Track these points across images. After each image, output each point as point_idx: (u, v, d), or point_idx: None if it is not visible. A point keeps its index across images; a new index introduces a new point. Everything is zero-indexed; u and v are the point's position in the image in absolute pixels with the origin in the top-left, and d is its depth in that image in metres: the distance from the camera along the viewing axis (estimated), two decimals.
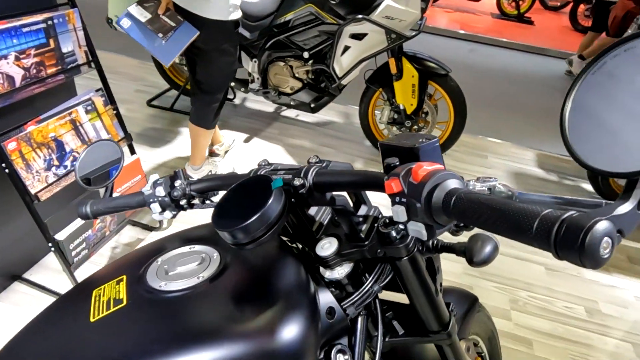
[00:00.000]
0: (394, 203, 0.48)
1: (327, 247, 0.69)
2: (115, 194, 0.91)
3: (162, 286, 0.63)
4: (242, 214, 0.58)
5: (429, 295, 0.73)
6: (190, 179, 0.80)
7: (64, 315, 0.63)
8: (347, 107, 3.45)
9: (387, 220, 0.70)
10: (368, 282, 0.75)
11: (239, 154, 2.77)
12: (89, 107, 1.65)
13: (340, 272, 0.74)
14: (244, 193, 0.62)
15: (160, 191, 0.75)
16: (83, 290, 0.68)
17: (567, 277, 2.20)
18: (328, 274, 0.74)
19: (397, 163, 0.52)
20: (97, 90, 1.71)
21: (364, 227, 0.71)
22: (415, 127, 2.73)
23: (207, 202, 0.81)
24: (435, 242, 0.69)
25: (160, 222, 2.10)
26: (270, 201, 0.58)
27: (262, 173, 0.69)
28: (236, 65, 2.26)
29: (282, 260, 0.69)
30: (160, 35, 1.81)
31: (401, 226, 0.68)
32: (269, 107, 3.39)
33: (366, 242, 0.68)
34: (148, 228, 2.09)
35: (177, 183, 0.77)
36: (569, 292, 2.12)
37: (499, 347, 1.23)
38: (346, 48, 2.42)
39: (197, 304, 0.60)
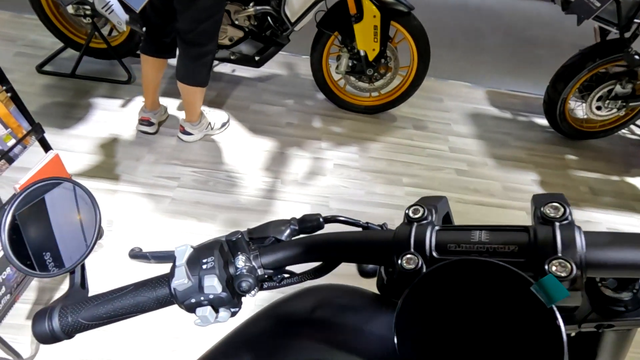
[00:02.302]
0: None
1: None
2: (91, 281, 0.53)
3: None
4: (483, 345, 0.28)
5: None
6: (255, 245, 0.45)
7: None
8: (292, 57, 3.03)
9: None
10: None
11: (172, 119, 2.28)
12: None
13: None
14: (460, 294, 0.31)
15: (214, 286, 0.40)
16: None
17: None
18: None
19: None
20: None
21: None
22: (376, 74, 2.45)
23: (287, 276, 0.47)
24: None
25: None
26: (565, 344, 0.27)
27: (436, 234, 0.37)
28: (224, 5, 1.90)
29: None
30: None
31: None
32: None
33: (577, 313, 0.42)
34: None
35: (240, 261, 0.42)
36: None
37: None
38: None
39: None
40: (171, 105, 2.40)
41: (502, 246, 0.35)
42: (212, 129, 2.21)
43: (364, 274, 0.55)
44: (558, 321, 0.28)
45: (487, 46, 3.96)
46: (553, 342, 0.27)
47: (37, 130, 1.30)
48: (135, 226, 1.73)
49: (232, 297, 0.42)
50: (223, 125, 2.28)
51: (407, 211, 0.39)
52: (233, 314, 0.43)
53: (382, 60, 2.39)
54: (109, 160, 1.99)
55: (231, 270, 0.42)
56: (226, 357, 0.47)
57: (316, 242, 0.43)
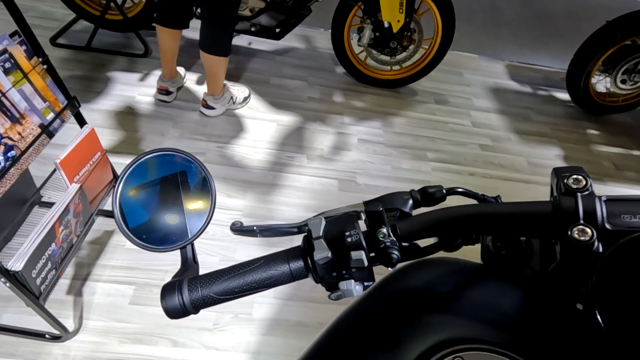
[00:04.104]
0: None
1: None
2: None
3: None
4: None
5: None
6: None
7: None
8: (309, 30, 2.95)
9: None
10: None
11: (193, 93, 2.23)
12: (7, 65, 1.07)
13: None
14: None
15: (362, 260, 0.38)
16: None
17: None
18: None
19: None
20: (11, 36, 1.11)
21: None
22: (399, 47, 2.39)
23: (417, 252, 0.45)
24: None
25: None
26: None
27: (605, 203, 0.35)
28: None
29: None
30: None
31: None
32: None
33: None
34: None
35: (382, 234, 0.40)
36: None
37: None
38: None
39: None
40: (192, 79, 2.34)
41: None
42: (234, 103, 2.17)
43: (450, 247, 0.54)
44: None
45: (507, 18, 3.86)
46: None
47: (73, 105, 1.27)
48: None
49: (371, 271, 0.41)
50: (245, 99, 2.23)
51: (565, 181, 0.37)
52: (365, 287, 0.42)
53: (406, 33, 2.33)
54: (134, 135, 1.96)
55: (372, 242, 0.40)
56: (352, 331, 0.46)
57: (462, 215, 0.41)
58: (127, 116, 2.06)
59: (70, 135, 1.32)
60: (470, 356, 0.39)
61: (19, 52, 1.10)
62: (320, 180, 1.95)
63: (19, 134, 1.08)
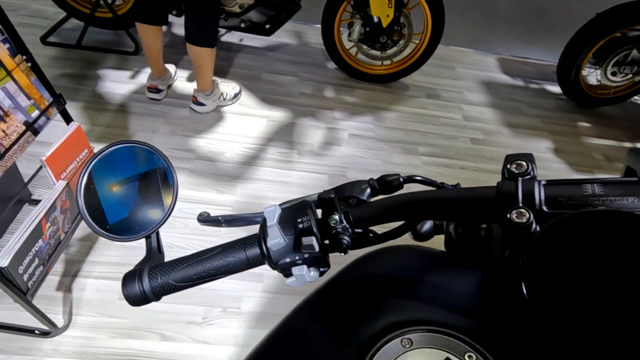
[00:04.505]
0: None
1: None
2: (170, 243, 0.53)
3: None
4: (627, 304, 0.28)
5: None
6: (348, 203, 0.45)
7: None
8: (301, 26, 2.95)
9: None
10: None
11: (184, 90, 2.23)
12: None
13: None
14: (587, 245, 0.31)
15: (313, 245, 0.39)
16: None
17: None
18: None
19: None
20: None
21: None
22: (389, 42, 2.39)
23: (371, 238, 0.47)
24: None
25: None
26: None
27: (544, 188, 0.37)
28: None
29: None
30: None
31: None
32: None
33: None
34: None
35: (334, 220, 0.41)
36: None
37: None
38: None
39: None
40: (183, 76, 2.35)
41: (619, 198, 0.34)
42: (224, 99, 2.18)
43: (419, 237, 0.55)
44: None
45: (501, 12, 3.86)
46: None
47: (59, 102, 1.27)
48: None
49: (326, 257, 0.42)
50: (235, 95, 2.24)
51: (508, 166, 0.39)
52: (321, 273, 0.43)
53: (396, 27, 2.34)
54: (125, 133, 1.97)
55: (325, 229, 0.41)
56: (314, 316, 0.47)
57: (411, 200, 0.42)
58: (117, 114, 2.06)
59: (58, 132, 1.33)
60: (419, 337, 0.40)
61: (2, 50, 1.11)
62: (310, 176, 1.96)
63: (3, 131, 1.08)
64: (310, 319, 0.49)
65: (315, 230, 0.40)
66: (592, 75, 2.66)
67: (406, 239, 0.57)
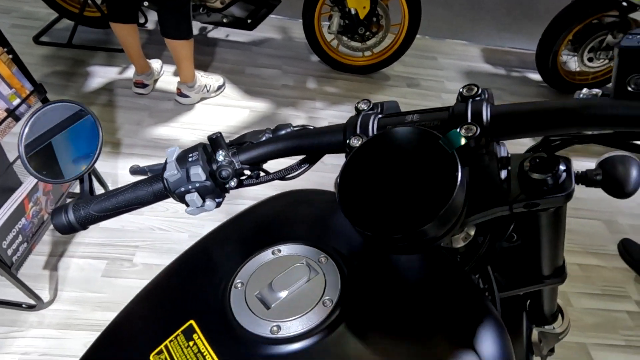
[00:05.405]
0: None
1: None
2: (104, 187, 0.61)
3: (275, 331, 0.40)
4: (406, 198, 0.36)
5: (558, 241, 0.59)
6: (233, 146, 0.53)
7: None
8: (283, 20, 3.03)
9: (537, 160, 0.51)
10: (486, 241, 0.59)
11: (170, 84, 2.33)
12: None
13: (463, 239, 0.57)
14: (387, 158, 0.38)
15: (199, 174, 0.47)
16: (127, 355, 0.42)
17: None
18: (445, 243, 0.57)
19: None
20: None
21: (503, 174, 0.52)
22: (368, 33, 2.47)
23: (263, 175, 0.55)
24: None
25: (106, 188, 1.72)
26: (459, 175, 0.35)
27: (378, 121, 0.45)
28: None
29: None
30: None
31: (562, 167, 0.51)
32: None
33: (509, 195, 0.50)
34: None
35: (221, 155, 0.50)
36: None
37: None
38: None
39: (343, 352, 0.38)
40: (169, 71, 2.44)
41: (428, 122, 0.42)
42: (207, 91, 2.27)
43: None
44: (457, 162, 0.35)
45: (485, 3, 3.92)
46: (452, 180, 0.35)
47: (39, 91, 1.37)
48: None
49: (216, 187, 0.50)
50: (219, 88, 2.33)
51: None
52: (218, 205, 0.51)
53: (374, 19, 2.41)
54: (111, 125, 2.06)
55: (213, 164, 0.49)
56: (204, 253, 0.56)
57: (282, 137, 0.50)
58: (105, 107, 2.16)
59: None
60: (286, 247, 0.48)
61: None
62: (288, 162, 2.03)
63: None
64: (198, 253, 0.56)
65: (200, 162, 0.48)
66: (571, 62, 2.72)
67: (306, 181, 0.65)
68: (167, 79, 2.40)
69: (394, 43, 2.57)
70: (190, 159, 0.48)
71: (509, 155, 0.56)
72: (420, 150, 0.38)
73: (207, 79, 2.26)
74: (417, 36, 2.51)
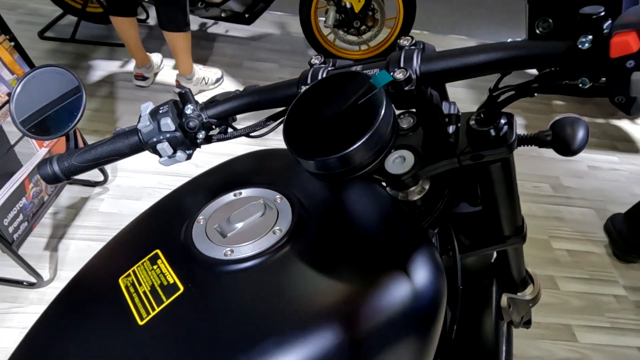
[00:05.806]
0: (630, 70, 0.33)
1: (399, 162, 0.55)
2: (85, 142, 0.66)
3: (228, 254, 0.44)
4: (340, 130, 0.40)
5: (512, 198, 0.63)
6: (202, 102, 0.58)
7: (90, 324, 0.43)
8: (282, 16, 3.09)
9: (482, 116, 0.56)
10: (445, 197, 0.63)
11: (170, 77, 2.39)
12: None
13: (418, 192, 0.61)
14: (328, 99, 0.43)
15: (168, 124, 0.52)
16: (99, 281, 0.47)
17: (530, 158, 2.27)
18: (402, 196, 0.61)
19: (603, 12, 0.36)
20: None
21: (451, 129, 0.56)
22: (364, 27, 2.51)
23: (231, 130, 0.60)
24: None
25: (105, 174, 1.77)
26: (383, 108, 0.39)
27: (327, 72, 0.49)
28: None
29: (369, 190, 0.53)
30: None
31: (503, 120, 0.56)
32: (192, 24, 2.92)
33: (456, 148, 0.55)
34: (90, 184, 1.77)
35: (189, 109, 0.54)
36: (534, 172, 2.20)
37: None
38: None
39: (288, 270, 0.43)
40: (169, 64, 2.50)
41: (369, 70, 0.46)
42: (206, 84, 2.32)
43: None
44: (383, 97, 0.40)
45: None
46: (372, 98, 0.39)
47: None
48: (137, 177, 1.87)
49: (186, 138, 0.55)
50: (217, 80, 2.38)
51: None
52: (189, 157, 0.56)
53: (369, 12, 2.45)
54: (112, 116, 2.13)
55: (183, 118, 0.54)
56: (174, 199, 0.60)
57: (245, 93, 0.55)
58: (106, 99, 2.22)
59: None
60: (247, 190, 0.53)
61: None
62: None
63: None
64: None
65: (170, 114, 0.53)
66: None
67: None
68: (167, 72, 2.46)
69: (390, 36, 2.61)
70: (160, 112, 0.53)
71: (459, 113, 0.60)
72: (356, 90, 0.42)
73: (205, 72, 2.32)
74: (416, 31, 2.56)
